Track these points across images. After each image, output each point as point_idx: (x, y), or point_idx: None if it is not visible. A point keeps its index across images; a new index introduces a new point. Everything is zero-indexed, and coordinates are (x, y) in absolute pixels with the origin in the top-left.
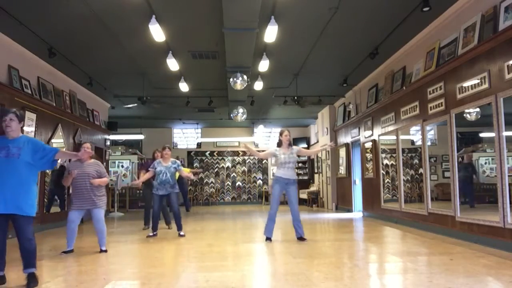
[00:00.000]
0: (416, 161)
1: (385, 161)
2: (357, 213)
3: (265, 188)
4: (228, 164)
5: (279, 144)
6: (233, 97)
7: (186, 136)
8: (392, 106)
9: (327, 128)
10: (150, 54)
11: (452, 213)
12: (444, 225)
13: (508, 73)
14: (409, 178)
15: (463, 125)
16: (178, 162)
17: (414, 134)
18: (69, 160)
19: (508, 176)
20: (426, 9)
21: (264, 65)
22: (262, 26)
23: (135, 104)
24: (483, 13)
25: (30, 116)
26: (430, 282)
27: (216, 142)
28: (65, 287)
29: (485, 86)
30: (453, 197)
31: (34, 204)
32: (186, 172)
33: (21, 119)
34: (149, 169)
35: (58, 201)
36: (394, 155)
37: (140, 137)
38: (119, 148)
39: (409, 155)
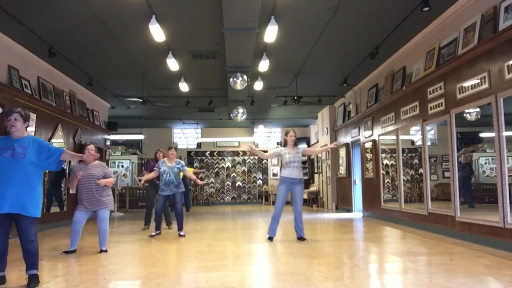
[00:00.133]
0: (416, 161)
1: (385, 161)
2: (357, 213)
3: (265, 188)
4: (228, 164)
5: (285, 144)
6: (233, 97)
7: (186, 136)
8: (392, 106)
9: (327, 128)
10: (150, 54)
11: (452, 213)
12: (444, 225)
13: (508, 73)
14: (409, 178)
15: (463, 125)
16: (183, 162)
17: (414, 134)
18: (74, 162)
19: (508, 176)
20: (426, 9)
21: (264, 65)
22: (262, 26)
23: (140, 100)
24: (483, 13)
25: (30, 116)
26: (430, 282)
27: (216, 142)
28: (65, 287)
29: (485, 86)
30: (453, 197)
31: (39, 205)
32: (189, 172)
33: (26, 119)
34: (154, 168)
35: (57, 201)
36: (394, 155)
37: (140, 137)
38: (119, 148)
39: (409, 155)
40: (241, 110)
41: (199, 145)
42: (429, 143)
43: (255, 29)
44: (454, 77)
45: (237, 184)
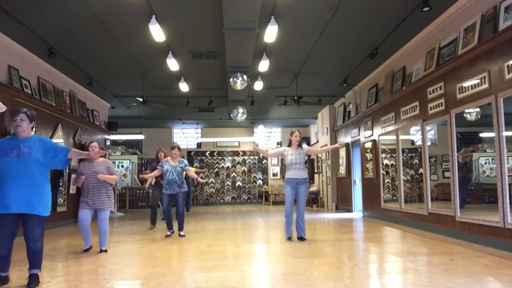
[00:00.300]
0: (416, 161)
1: (385, 161)
2: (357, 213)
3: (265, 188)
4: (228, 164)
5: (289, 144)
6: (233, 97)
7: (186, 136)
8: (392, 106)
9: (327, 128)
10: (150, 54)
11: (452, 213)
12: (444, 225)
13: (508, 73)
14: (409, 178)
15: (463, 125)
16: (185, 162)
17: (414, 134)
18: (74, 162)
19: (508, 176)
20: (426, 9)
21: (264, 65)
22: (262, 26)
23: (140, 99)
24: (483, 13)
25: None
26: (430, 282)
27: (216, 142)
28: (65, 287)
29: (485, 86)
30: (453, 197)
31: (48, 204)
32: (192, 172)
33: (32, 119)
34: (157, 167)
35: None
36: (394, 155)
37: (140, 137)
38: (119, 148)
39: (409, 155)
40: (241, 110)
41: (199, 145)
42: (429, 143)
43: (255, 29)
44: (454, 77)
45: (237, 184)
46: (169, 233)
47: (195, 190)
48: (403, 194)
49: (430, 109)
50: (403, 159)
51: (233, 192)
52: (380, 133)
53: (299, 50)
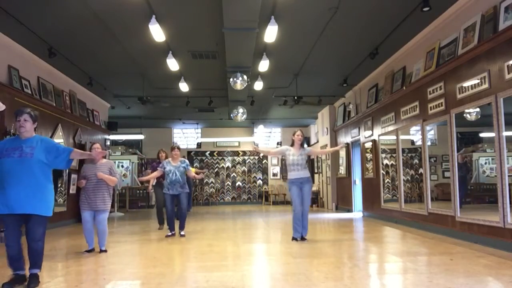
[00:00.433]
0: (416, 161)
1: (385, 161)
2: (357, 213)
3: (265, 188)
4: (228, 164)
5: (292, 144)
6: (233, 97)
7: (186, 136)
8: (392, 106)
9: (327, 128)
10: (150, 54)
11: (452, 213)
12: (444, 225)
13: (508, 73)
14: (409, 178)
15: (463, 125)
16: (187, 161)
17: (414, 134)
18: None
19: (508, 176)
20: (426, 9)
21: (264, 65)
22: (262, 26)
23: (148, 98)
24: (483, 13)
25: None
26: (430, 282)
27: (216, 142)
28: (65, 287)
29: (485, 86)
30: (453, 197)
31: (50, 204)
32: (192, 172)
33: (35, 119)
34: (158, 168)
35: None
36: (394, 155)
37: (140, 137)
38: (119, 148)
39: (409, 155)
40: (241, 110)
41: (199, 145)
42: (429, 143)
43: (255, 29)
44: (454, 77)
45: (237, 184)
46: (170, 233)
47: (195, 190)
48: (403, 194)
49: (430, 109)
50: (403, 159)
51: (233, 192)
52: (380, 133)
53: (299, 50)
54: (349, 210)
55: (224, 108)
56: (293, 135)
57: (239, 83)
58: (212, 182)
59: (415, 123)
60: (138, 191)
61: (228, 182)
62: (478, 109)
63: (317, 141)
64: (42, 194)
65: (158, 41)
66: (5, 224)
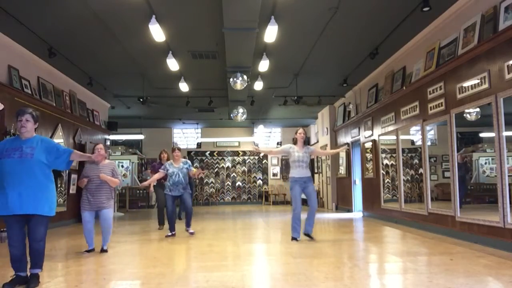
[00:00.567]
0: (416, 161)
1: (385, 161)
2: (357, 213)
3: (265, 188)
4: (228, 164)
5: (295, 142)
6: (233, 97)
7: (186, 136)
8: (392, 106)
9: (327, 128)
10: (150, 54)
11: (452, 213)
12: (444, 225)
13: (508, 73)
14: (409, 178)
15: (463, 125)
16: (189, 162)
17: (414, 134)
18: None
19: (508, 176)
20: (426, 9)
21: (264, 65)
22: (262, 26)
23: (148, 98)
24: (483, 13)
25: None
26: (430, 282)
27: (216, 142)
28: (65, 287)
29: (485, 86)
30: (453, 197)
31: (53, 204)
32: (194, 170)
33: (37, 120)
34: (160, 170)
35: None
36: (394, 155)
37: (140, 137)
38: (119, 148)
39: (409, 155)
40: (241, 110)
41: (199, 145)
42: (429, 143)
43: (255, 29)
44: (454, 77)
45: (237, 184)
46: (170, 234)
47: (195, 190)
48: (403, 194)
49: (430, 109)
50: (403, 159)
51: (233, 192)
52: (380, 133)
53: (299, 50)
54: (349, 210)
55: (224, 108)
56: (296, 133)
57: (239, 83)
58: (212, 182)
59: (415, 123)
60: (138, 191)
61: (228, 182)
62: (478, 109)
63: (317, 141)
64: (43, 194)
65: (158, 41)
66: (7, 225)
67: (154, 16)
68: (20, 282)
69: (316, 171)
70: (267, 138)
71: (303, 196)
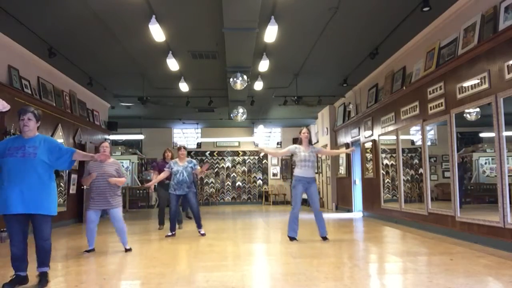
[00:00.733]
0: (416, 161)
1: (385, 161)
2: (357, 213)
3: (265, 188)
4: (228, 164)
5: (300, 142)
6: (233, 97)
7: (186, 136)
8: (392, 106)
9: (327, 128)
10: (150, 54)
11: (452, 213)
12: (444, 225)
13: (508, 73)
14: (409, 178)
15: (463, 125)
16: (194, 161)
17: (414, 134)
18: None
19: (508, 176)
20: (426, 9)
21: (264, 65)
22: (262, 26)
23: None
24: (483, 13)
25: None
26: (430, 282)
27: (216, 142)
28: (65, 287)
29: (485, 86)
30: (453, 197)
31: (54, 203)
32: (198, 170)
33: (39, 118)
34: (165, 169)
35: None
36: (394, 155)
37: (140, 137)
38: (119, 148)
39: (409, 155)
40: (241, 110)
41: (199, 145)
42: (429, 143)
43: (255, 29)
44: (454, 77)
45: (237, 184)
46: (170, 234)
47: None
48: (403, 194)
49: (430, 109)
50: (403, 159)
51: (233, 192)
52: (380, 133)
53: (299, 50)
54: (349, 210)
55: (224, 108)
56: (300, 133)
57: (239, 83)
58: (212, 182)
59: (415, 123)
60: (138, 191)
61: (228, 182)
62: (478, 109)
63: (317, 141)
64: (45, 194)
65: (158, 41)
66: (9, 225)
67: (154, 16)
68: (20, 282)
69: (316, 171)
70: (267, 138)
71: (304, 196)
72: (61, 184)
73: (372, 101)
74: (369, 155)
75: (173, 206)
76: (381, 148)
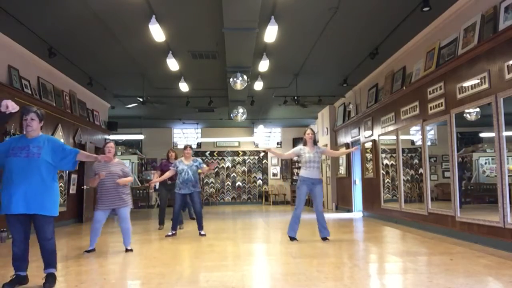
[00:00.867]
0: (416, 161)
1: (385, 161)
2: (357, 213)
3: (265, 188)
4: (228, 164)
5: (304, 143)
6: (233, 97)
7: (186, 136)
8: (392, 106)
9: (327, 128)
10: (150, 54)
11: (452, 213)
12: (444, 225)
13: (508, 73)
14: (409, 178)
15: (463, 125)
16: (199, 160)
17: (414, 134)
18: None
19: (508, 176)
20: (426, 9)
21: (264, 65)
22: (262, 26)
23: (135, 104)
24: (483, 13)
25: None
26: (430, 282)
27: (216, 142)
28: (65, 287)
29: (485, 86)
30: (453, 197)
31: (57, 204)
32: (206, 168)
33: (42, 118)
34: (171, 167)
35: None
36: (394, 155)
37: (140, 137)
38: (119, 148)
39: (409, 155)
40: (241, 110)
41: (199, 145)
42: (429, 143)
43: (255, 29)
44: (454, 77)
45: (237, 184)
46: (170, 233)
47: None
48: (403, 194)
49: (430, 109)
50: (403, 159)
51: (233, 192)
52: (380, 133)
53: (299, 50)
54: (349, 210)
55: (224, 108)
56: (304, 134)
57: (239, 83)
58: (212, 182)
59: (415, 123)
60: (138, 191)
61: (228, 182)
62: (478, 109)
63: (318, 141)
64: (48, 194)
65: (158, 41)
66: (11, 224)
67: (154, 16)
68: (20, 282)
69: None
70: (267, 138)
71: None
72: (61, 184)
73: (372, 101)
74: (369, 155)
75: (177, 205)
76: (381, 148)
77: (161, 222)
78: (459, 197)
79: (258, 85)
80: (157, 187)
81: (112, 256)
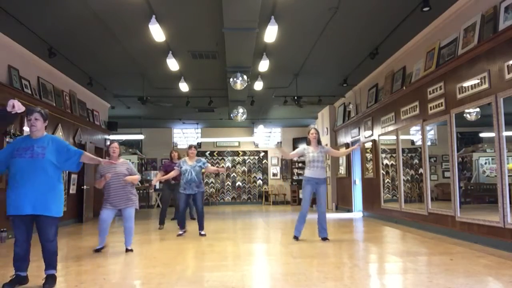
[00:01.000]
0: (416, 161)
1: (385, 161)
2: (357, 213)
3: (265, 188)
4: (228, 164)
5: (308, 143)
6: (233, 97)
7: (186, 136)
8: (392, 106)
9: (327, 128)
10: (150, 54)
11: (452, 213)
12: (444, 225)
13: (508, 73)
14: (409, 178)
15: (463, 125)
16: (203, 160)
17: (414, 134)
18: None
19: (508, 176)
20: (426, 9)
21: (264, 65)
22: (262, 26)
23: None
24: (483, 13)
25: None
26: (430, 282)
27: (216, 142)
28: (65, 287)
29: (485, 86)
30: (453, 197)
31: (61, 204)
32: (211, 168)
33: (46, 118)
34: (175, 167)
35: None
36: (394, 155)
37: (140, 137)
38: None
39: (409, 155)
40: (241, 110)
41: (199, 145)
42: (429, 143)
43: (255, 29)
44: (454, 77)
45: (237, 184)
46: (181, 232)
47: None
48: (403, 194)
49: (430, 109)
50: (403, 159)
51: (233, 192)
52: (380, 133)
53: (299, 50)
54: (349, 210)
55: (224, 108)
56: (308, 133)
57: (239, 83)
58: (212, 182)
59: (415, 123)
60: (138, 191)
61: (228, 182)
62: (478, 109)
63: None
64: (53, 195)
65: (158, 41)
66: (15, 225)
67: (154, 16)
68: (20, 282)
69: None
70: (267, 138)
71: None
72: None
73: (372, 101)
74: (369, 155)
75: (182, 205)
76: (381, 148)
77: (161, 222)
78: (459, 197)
79: (258, 85)
80: (157, 186)
81: (112, 256)
